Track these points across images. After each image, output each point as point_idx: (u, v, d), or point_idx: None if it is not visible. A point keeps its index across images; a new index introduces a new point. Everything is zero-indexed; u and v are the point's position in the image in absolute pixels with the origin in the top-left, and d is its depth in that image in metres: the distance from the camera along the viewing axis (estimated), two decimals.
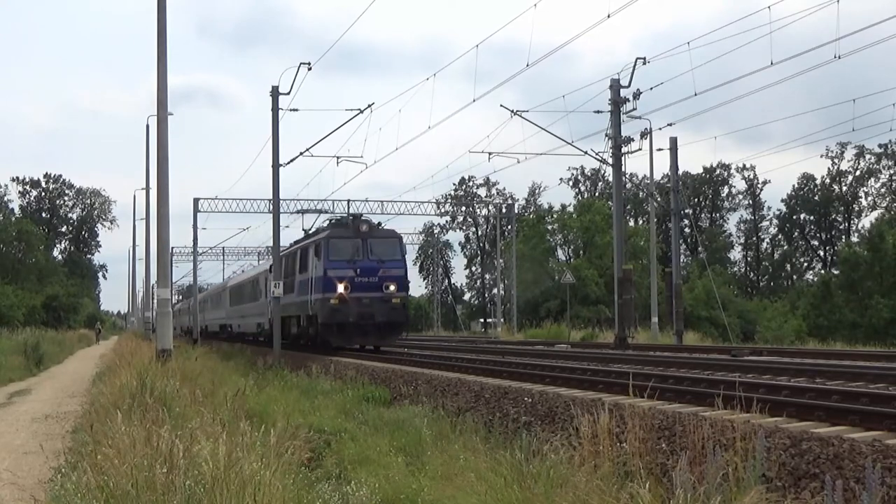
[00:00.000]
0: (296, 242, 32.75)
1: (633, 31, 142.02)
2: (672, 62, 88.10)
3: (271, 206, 30.86)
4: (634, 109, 31.24)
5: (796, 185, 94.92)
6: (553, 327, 49.47)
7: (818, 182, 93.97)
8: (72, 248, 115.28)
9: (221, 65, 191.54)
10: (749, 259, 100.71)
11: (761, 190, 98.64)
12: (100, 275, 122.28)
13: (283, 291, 29.71)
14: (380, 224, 28.36)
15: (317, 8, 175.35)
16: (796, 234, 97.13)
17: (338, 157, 30.98)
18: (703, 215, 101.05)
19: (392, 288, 25.91)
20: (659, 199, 49.99)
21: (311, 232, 32.22)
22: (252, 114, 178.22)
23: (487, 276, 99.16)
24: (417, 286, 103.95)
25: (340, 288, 25.54)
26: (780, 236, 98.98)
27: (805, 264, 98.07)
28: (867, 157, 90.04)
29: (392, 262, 26.49)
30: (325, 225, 29.68)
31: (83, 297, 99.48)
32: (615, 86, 30.91)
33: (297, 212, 42.65)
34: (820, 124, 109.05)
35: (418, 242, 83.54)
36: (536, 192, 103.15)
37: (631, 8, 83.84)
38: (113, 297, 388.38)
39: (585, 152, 34.25)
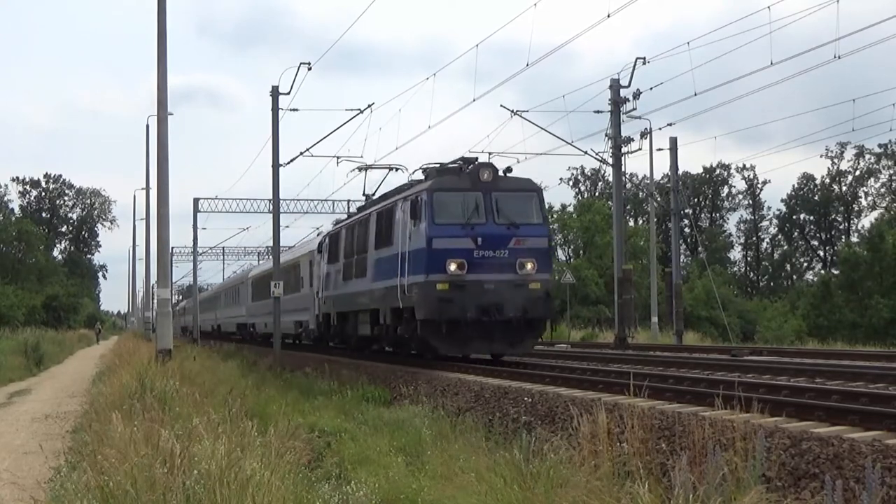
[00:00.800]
0: (361, 209, 24.58)
1: (634, 31, 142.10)
2: (672, 62, 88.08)
3: (271, 206, 30.84)
4: (634, 109, 31.26)
5: (796, 185, 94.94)
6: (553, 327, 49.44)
7: (818, 182, 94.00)
8: (72, 248, 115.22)
9: (221, 65, 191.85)
10: (749, 259, 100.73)
11: (761, 190, 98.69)
12: (100, 275, 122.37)
13: (342, 276, 23.29)
14: (508, 170, 18.70)
15: (317, 8, 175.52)
16: (796, 234, 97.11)
17: (338, 157, 30.88)
18: (703, 215, 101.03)
19: (529, 267, 17.39)
20: (659, 199, 50.00)
21: (378, 196, 23.87)
22: (252, 114, 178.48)
23: None
24: None
25: (453, 266, 17.05)
26: (779, 236, 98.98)
27: (805, 264, 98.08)
28: (867, 157, 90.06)
29: (529, 228, 17.81)
30: (419, 179, 20.23)
31: (83, 297, 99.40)
32: (615, 86, 30.91)
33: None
34: (820, 124, 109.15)
35: None
36: None
37: (631, 8, 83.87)
38: (113, 297, 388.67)
39: (585, 152, 34.24)
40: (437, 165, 19.42)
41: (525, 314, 17.32)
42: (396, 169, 25.13)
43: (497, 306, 17.11)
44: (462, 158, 19.10)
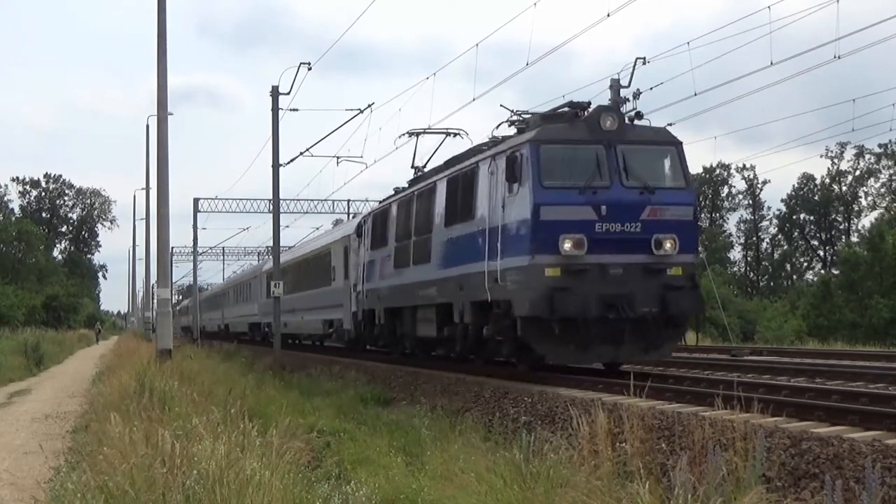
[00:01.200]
0: (416, 181, 19.62)
1: (634, 31, 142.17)
2: (672, 62, 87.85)
3: (271, 206, 30.83)
4: (634, 109, 31.21)
5: (796, 185, 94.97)
6: None
7: (818, 182, 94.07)
8: (72, 248, 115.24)
9: (221, 65, 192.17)
10: (749, 259, 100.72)
11: (761, 190, 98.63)
12: (100, 275, 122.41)
13: (394, 263, 19.10)
14: (638, 116, 14.58)
15: (317, 8, 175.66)
16: (796, 234, 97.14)
17: (338, 157, 30.89)
18: (703, 215, 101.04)
19: (668, 245, 13.26)
20: None
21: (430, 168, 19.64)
22: (252, 114, 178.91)
23: None
24: None
25: (567, 245, 12.90)
26: (780, 236, 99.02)
27: (805, 264, 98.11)
28: (867, 157, 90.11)
29: (668, 193, 13.68)
30: (507, 135, 15.53)
31: (83, 297, 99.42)
32: (615, 86, 30.75)
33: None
34: (820, 124, 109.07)
35: None
36: None
37: (631, 7, 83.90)
38: (113, 297, 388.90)
39: None
40: (529, 115, 14.96)
41: (664, 309, 13.12)
42: (455, 134, 20.91)
43: (626, 298, 12.94)
44: (570, 104, 14.51)
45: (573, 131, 13.78)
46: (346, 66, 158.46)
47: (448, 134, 21.02)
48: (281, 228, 29.72)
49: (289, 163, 29.86)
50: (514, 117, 15.40)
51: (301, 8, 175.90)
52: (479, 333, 15.13)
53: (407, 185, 20.26)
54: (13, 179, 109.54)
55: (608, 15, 21.69)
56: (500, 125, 16.07)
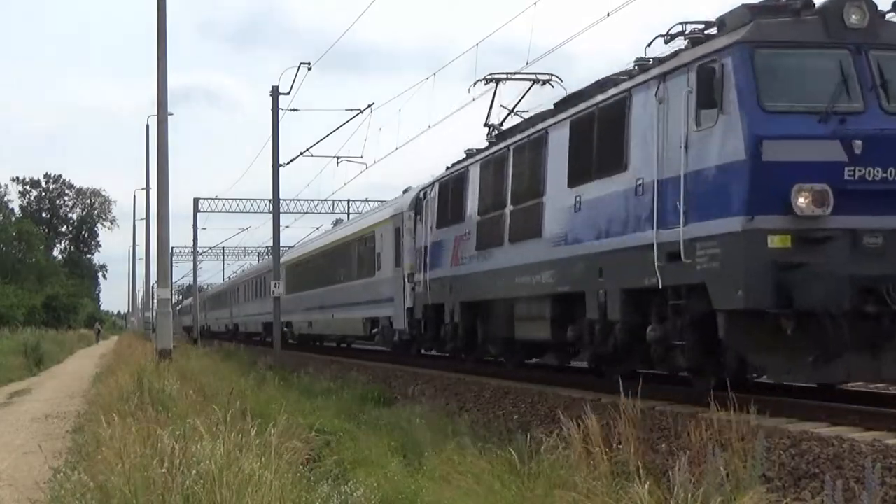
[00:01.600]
0: (501, 136, 15.66)
1: (634, 31, 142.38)
2: None
3: (271, 207, 30.84)
4: None
5: None
6: None
7: None
8: (72, 248, 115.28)
9: (221, 64, 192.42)
10: None
11: None
12: (100, 275, 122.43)
13: (476, 243, 14.99)
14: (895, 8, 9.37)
15: (317, 8, 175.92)
16: None
17: (338, 157, 30.88)
18: None
19: None
20: None
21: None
22: (252, 113, 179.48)
23: None
24: None
25: (802, 200, 8.56)
26: None
27: None
28: None
29: None
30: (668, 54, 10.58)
31: (83, 297, 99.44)
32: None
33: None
34: None
35: None
36: None
37: (631, 7, 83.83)
38: (113, 297, 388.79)
39: None
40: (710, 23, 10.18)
41: None
42: (544, 82, 16.60)
43: (892, 281, 8.66)
44: None
45: (803, 29, 9.23)
46: (346, 66, 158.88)
47: (536, 81, 16.69)
48: (281, 228, 29.75)
49: (289, 163, 29.89)
50: (677, 27, 10.61)
51: (301, 8, 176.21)
52: (633, 335, 10.68)
53: (491, 142, 15.97)
54: (13, 179, 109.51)
55: (608, 15, 21.56)
56: (652, 42, 11.01)
